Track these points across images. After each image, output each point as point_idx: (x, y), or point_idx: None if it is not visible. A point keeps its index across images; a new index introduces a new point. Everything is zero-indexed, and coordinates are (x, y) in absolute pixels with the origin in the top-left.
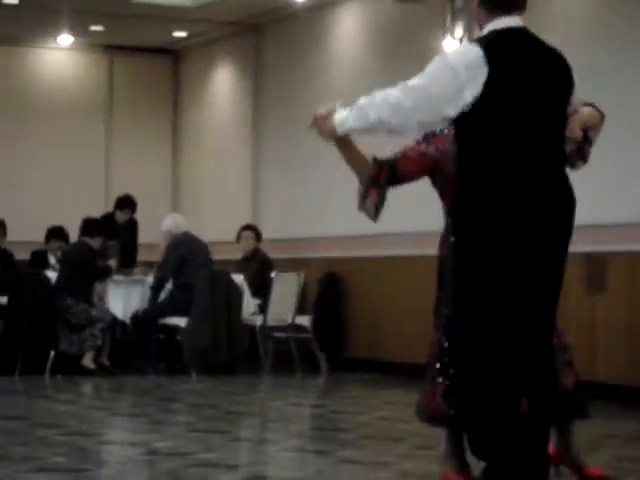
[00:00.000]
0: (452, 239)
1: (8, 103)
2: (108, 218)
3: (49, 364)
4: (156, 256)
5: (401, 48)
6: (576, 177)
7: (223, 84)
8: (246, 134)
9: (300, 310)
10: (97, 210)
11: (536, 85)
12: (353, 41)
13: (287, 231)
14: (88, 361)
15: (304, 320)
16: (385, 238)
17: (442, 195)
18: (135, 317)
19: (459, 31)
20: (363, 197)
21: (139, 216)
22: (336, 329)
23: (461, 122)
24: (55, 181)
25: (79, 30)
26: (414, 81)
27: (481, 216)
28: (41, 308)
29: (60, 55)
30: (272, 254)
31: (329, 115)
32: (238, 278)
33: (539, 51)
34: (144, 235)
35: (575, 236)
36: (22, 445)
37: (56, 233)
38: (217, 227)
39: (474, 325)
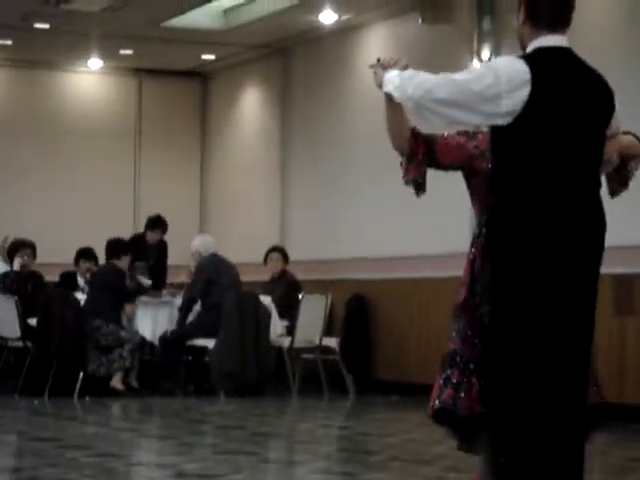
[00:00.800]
0: (485, 245)
1: (39, 126)
2: (138, 239)
3: (78, 386)
4: (184, 277)
5: (428, 70)
6: (604, 197)
7: (251, 106)
8: (274, 155)
9: (327, 332)
10: (126, 231)
11: (577, 109)
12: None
13: (315, 253)
14: (117, 382)
15: (331, 342)
16: (412, 260)
17: (472, 198)
18: (163, 338)
19: (486, 53)
20: (405, 171)
21: (167, 237)
22: (363, 351)
23: (498, 137)
24: (84, 202)
25: (109, 54)
26: (457, 75)
27: (515, 235)
28: (70, 330)
29: (90, 79)
30: (300, 276)
31: (389, 66)
32: (266, 300)
33: (582, 74)
34: (172, 256)
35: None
36: (52, 466)
37: (85, 254)
38: (245, 249)
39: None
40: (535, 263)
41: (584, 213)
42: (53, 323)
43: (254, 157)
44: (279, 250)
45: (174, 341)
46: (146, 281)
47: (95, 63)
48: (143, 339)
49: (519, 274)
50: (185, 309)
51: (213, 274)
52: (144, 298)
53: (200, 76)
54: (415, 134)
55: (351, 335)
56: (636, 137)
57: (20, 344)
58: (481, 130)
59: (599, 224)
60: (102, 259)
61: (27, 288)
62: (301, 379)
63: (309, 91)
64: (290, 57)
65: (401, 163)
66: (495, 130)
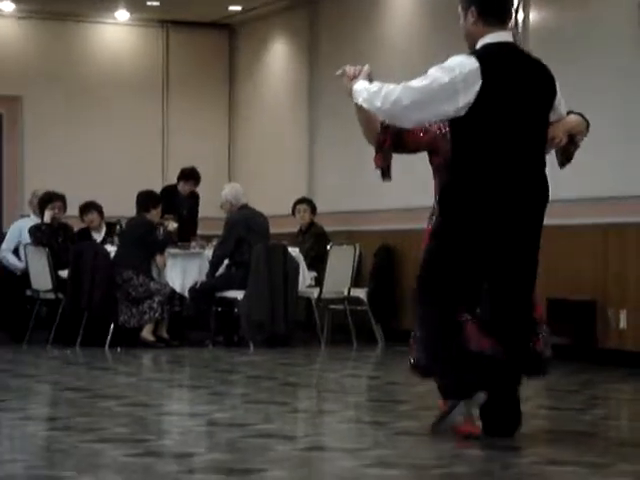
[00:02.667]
0: (436, 221)
1: (66, 78)
2: (170, 190)
3: (109, 337)
4: (212, 229)
5: (453, 25)
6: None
7: (278, 57)
8: (302, 107)
9: (356, 282)
10: (155, 183)
11: (523, 96)
12: (407, 13)
13: (342, 204)
14: (147, 334)
15: (360, 292)
16: None
17: (434, 175)
18: (193, 290)
19: (514, 2)
20: (374, 159)
21: (196, 188)
22: (392, 301)
23: (456, 125)
24: (113, 155)
25: (136, 5)
26: (414, 82)
27: (467, 204)
28: (101, 282)
29: (117, 30)
30: (328, 227)
31: (355, 76)
32: (294, 251)
33: (526, 64)
34: (200, 209)
35: None
36: (84, 416)
37: (85, 209)
38: (273, 201)
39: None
40: (482, 226)
41: (529, 187)
42: (84, 275)
43: (282, 109)
44: (307, 202)
45: (204, 292)
46: (173, 224)
47: (122, 15)
48: (173, 291)
49: (466, 233)
50: (215, 264)
51: (243, 231)
52: (173, 250)
53: (227, 28)
54: (384, 127)
55: (379, 285)
56: (580, 115)
57: (52, 296)
58: None
59: (542, 197)
60: (133, 212)
61: (58, 240)
62: (330, 330)
63: (337, 42)
64: (317, 8)
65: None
66: (452, 120)
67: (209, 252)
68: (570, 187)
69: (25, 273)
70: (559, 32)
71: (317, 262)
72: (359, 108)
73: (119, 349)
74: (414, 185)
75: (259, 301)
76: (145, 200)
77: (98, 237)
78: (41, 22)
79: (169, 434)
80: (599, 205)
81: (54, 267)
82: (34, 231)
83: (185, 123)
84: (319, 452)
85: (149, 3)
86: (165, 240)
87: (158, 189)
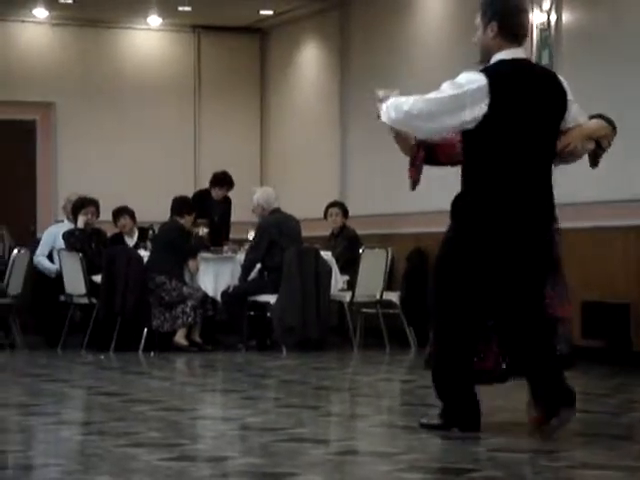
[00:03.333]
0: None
1: (99, 84)
2: (203, 194)
3: (142, 341)
4: (244, 234)
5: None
6: None
7: (310, 61)
8: (333, 111)
9: (388, 286)
10: (187, 188)
11: (531, 111)
12: (439, 17)
13: (375, 207)
14: (180, 338)
15: (392, 296)
16: None
17: None
18: (226, 294)
19: (547, 3)
20: (408, 172)
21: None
22: (424, 304)
23: (467, 137)
24: (145, 160)
25: (167, 11)
26: (427, 95)
27: (478, 214)
28: (134, 286)
29: (149, 36)
30: (360, 230)
31: (385, 98)
32: (326, 255)
33: (537, 79)
34: (232, 213)
35: None
36: (118, 420)
37: (118, 213)
38: (304, 204)
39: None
40: (491, 237)
41: (534, 198)
42: (117, 280)
43: (313, 112)
44: (339, 205)
45: (236, 297)
46: (204, 229)
47: (154, 20)
48: (205, 295)
49: (478, 245)
50: (247, 269)
51: (275, 235)
52: (206, 254)
53: (258, 32)
54: (418, 143)
55: (412, 289)
56: (602, 117)
57: (85, 300)
58: None
59: (547, 208)
60: (165, 217)
61: (91, 245)
62: (362, 333)
63: (368, 45)
64: (348, 11)
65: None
66: (464, 132)
67: (241, 256)
68: (603, 189)
69: (59, 278)
70: (591, 32)
71: (349, 266)
72: (390, 127)
73: (152, 354)
74: (447, 188)
75: (291, 305)
76: (180, 206)
77: (131, 242)
78: (74, 28)
79: (202, 438)
80: (633, 207)
81: (87, 272)
82: (67, 236)
83: (217, 127)
84: (352, 456)
85: (181, 8)
86: (197, 245)
87: (190, 193)
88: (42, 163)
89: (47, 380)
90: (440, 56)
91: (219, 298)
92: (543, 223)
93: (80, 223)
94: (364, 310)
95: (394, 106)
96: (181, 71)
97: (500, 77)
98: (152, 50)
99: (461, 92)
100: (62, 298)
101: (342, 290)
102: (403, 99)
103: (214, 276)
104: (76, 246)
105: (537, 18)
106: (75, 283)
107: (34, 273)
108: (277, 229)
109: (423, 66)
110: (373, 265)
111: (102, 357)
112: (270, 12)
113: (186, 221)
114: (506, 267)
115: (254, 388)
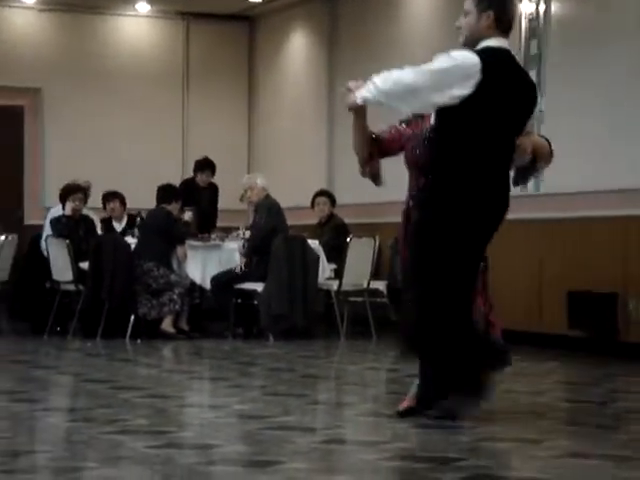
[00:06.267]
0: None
1: (86, 70)
2: (189, 182)
3: (129, 328)
4: (232, 221)
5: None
6: None
7: (298, 49)
8: (321, 99)
9: (375, 274)
10: (175, 175)
11: (512, 100)
12: (427, 7)
13: (362, 196)
14: (167, 325)
15: (380, 284)
16: None
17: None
18: (216, 278)
19: None
20: (363, 168)
21: (215, 181)
22: None
23: (446, 115)
24: (132, 147)
25: None
26: (422, 66)
27: (453, 195)
28: (121, 273)
29: (137, 22)
30: (347, 219)
31: (356, 89)
32: (314, 244)
33: (518, 71)
34: (220, 200)
35: None
36: (105, 407)
37: (107, 197)
38: (292, 193)
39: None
40: (463, 217)
41: (502, 186)
42: (104, 267)
43: (301, 101)
44: (326, 194)
45: (225, 283)
46: (188, 213)
47: (143, 7)
48: (193, 283)
49: (448, 225)
50: (250, 255)
51: (279, 223)
52: (193, 242)
53: (247, 20)
54: (375, 139)
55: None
56: (546, 140)
57: (72, 287)
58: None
59: (506, 196)
60: (152, 204)
61: (79, 232)
62: (349, 322)
63: (357, 33)
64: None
65: (359, 162)
66: (439, 111)
67: (229, 244)
68: (589, 180)
69: (45, 265)
70: (579, 22)
71: (337, 254)
72: (356, 117)
73: (139, 341)
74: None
75: (279, 293)
76: (165, 193)
77: (119, 227)
78: (61, 14)
79: (189, 426)
80: (620, 197)
81: (75, 259)
82: (55, 223)
83: (205, 115)
84: (338, 445)
85: None
86: (185, 231)
87: (178, 181)
88: (29, 149)
89: (34, 367)
90: (430, 45)
91: (207, 286)
92: (505, 206)
93: (67, 210)
94: (351, 299)
95: (380, 78)
96: (169, 58)
97: (491, 60)
98: (140, 37)
99: (454, 64)
100: (48, 285)
101: (329, 279)
102: (390, 71)
103: (202, 264)
104: (63, 232)
105: (526, 8)
106: (62, 270)
107: (23, 259)
108: (280, 217)
109: (412, 55)
110: (360, 254)
111: (89, 344)
112: (259, 0)
113: (173, 208)
114: (477, 232)
115: (241, 376)
